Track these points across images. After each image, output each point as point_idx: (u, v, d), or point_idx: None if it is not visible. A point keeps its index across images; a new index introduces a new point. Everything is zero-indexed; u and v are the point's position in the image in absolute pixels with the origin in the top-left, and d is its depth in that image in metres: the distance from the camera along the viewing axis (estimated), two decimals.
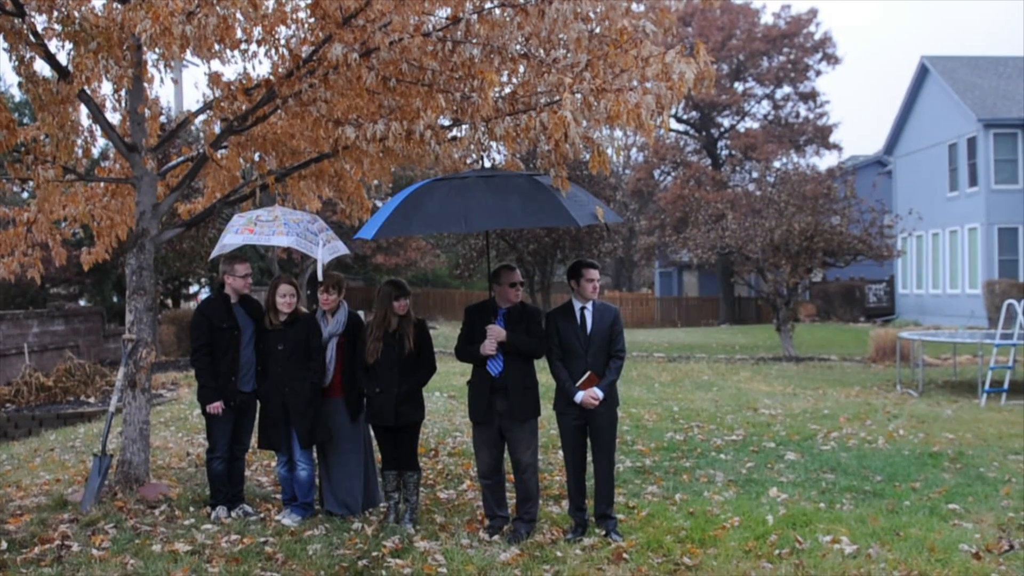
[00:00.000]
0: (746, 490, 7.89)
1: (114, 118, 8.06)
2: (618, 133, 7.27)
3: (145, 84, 7.82)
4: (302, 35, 7.04)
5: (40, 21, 6.95)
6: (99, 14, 6.54)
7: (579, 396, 6.47)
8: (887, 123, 65.40)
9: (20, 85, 7.26)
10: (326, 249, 7.24)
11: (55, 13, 6.83)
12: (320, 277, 7.05)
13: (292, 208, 8.26)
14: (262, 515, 7.06)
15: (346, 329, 7.04)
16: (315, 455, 7.08)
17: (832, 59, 44.13)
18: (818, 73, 44.42)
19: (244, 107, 7.32)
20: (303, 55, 6.89)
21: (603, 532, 6.57)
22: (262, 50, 7.06)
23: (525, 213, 6.47)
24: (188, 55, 6.72)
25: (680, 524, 6.78)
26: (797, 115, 45.35)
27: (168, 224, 8.99)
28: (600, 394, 6.47)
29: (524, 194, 6.42)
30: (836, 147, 45.09)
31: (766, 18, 44.50)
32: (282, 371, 6.92)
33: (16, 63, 7.07)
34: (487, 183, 6.47)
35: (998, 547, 6.21)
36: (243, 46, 6.99)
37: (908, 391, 14.87)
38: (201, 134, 9.09)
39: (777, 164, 35.24)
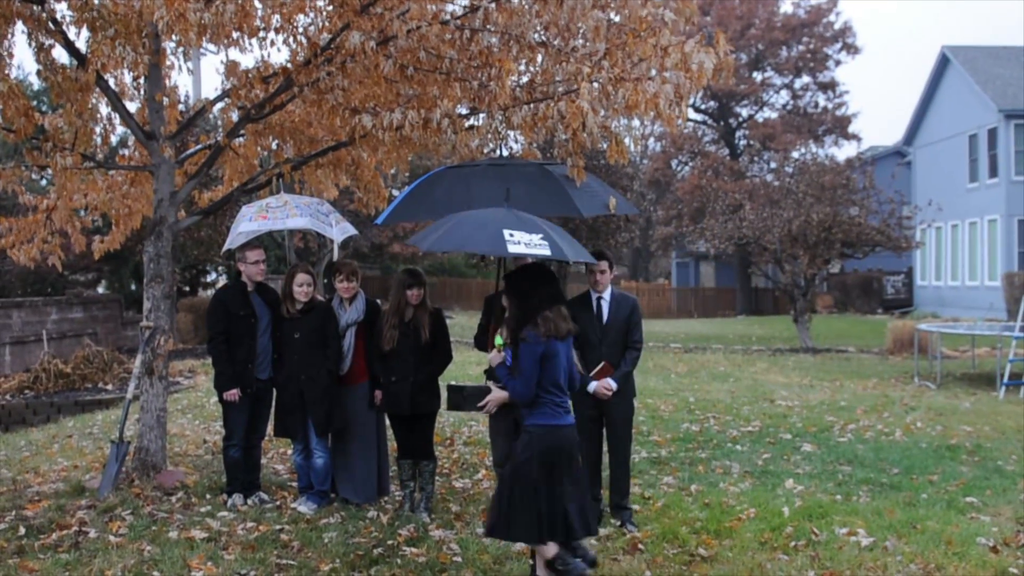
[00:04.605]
0: (762, 481, 7.87)
1: (132, 106, 8.08)
2: (636, 122, 7.22)
3: (163, 72, 7.83)
4: (320, 23, 7.03)
5: (60, 8, 6.97)
6: (118, 1, 6.54)
7: (592, 386, 6.45)
8: (907, 113, 64.88)
9: (39, 73, 7.27)
10: (338, 229, 7.26)
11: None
12: (336, 257, 7.05)
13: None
14: (278, 503, 7.09)
15: (365, 317, 7.05)
16: (329, 443, 7.10)
17: (852, 48, 43.85)
18: (837, 63, 44.20)
19: (261, 95, 7.32)
20: (321, 43, 6.88)
21: (618, 522, 6.55)
22: (280, 38, 7.06)
23: (530, 202, 6.44)
24: (205, 43, 6.72)
25: (695, 515, 6.76)
26: (816, 105, 45.11)
27: (186, 212, 9.01)
28: (613, 385, 6.45)
29: (531, 182, 6.39)
30: (855, 137, 44.91)
31: (785, 7, 44.40)
32: (299, 359, 6.94)
33: (36, 50, 7.08)
34: (496, 171, 6.46)
35: (1016, 541, 6.16)
36: (261, 34, 6.98)
37: (926, 383, 14.78)
38: (219, 122, 9.10)
39: (795, 154, 34.99)
